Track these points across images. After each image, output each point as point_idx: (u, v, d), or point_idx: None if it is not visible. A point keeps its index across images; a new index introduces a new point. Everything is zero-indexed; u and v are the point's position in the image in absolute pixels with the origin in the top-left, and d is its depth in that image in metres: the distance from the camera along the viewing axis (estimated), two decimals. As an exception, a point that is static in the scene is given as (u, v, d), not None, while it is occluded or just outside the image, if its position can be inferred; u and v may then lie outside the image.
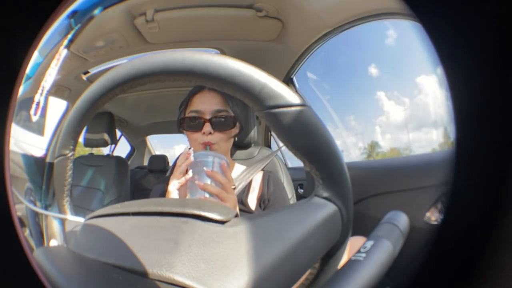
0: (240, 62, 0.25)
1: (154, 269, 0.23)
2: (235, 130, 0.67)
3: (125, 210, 0.30)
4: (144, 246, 0.25)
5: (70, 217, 0.39)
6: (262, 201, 0.68)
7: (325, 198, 0.26)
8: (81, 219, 0.38)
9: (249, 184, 0.70)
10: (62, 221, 0.39)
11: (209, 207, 0.27)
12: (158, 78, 0.27)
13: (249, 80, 0.24)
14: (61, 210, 0.39)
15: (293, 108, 0.24)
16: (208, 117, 0.64)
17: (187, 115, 0.66)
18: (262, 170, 0.74)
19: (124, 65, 0.28)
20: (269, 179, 0.71)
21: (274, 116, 0.25)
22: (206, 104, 0.65)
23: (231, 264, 0.22)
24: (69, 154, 0.36)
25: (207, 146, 0.63)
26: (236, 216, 0.27)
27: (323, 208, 0.25)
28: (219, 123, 0.64)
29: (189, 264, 0.23)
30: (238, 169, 0.74)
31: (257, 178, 0.72)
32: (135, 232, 0.27)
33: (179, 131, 0.69)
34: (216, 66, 0.25)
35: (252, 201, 0.68)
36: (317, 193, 0.26)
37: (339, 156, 0.25)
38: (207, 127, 0.63)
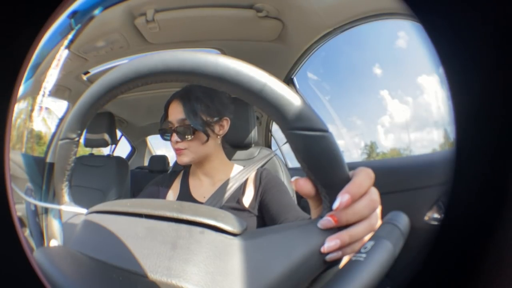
0: (272, 77, 0.25)
1: (173, 279, 0.24)
2: (200, 138, 0.68)
3: (137, 210, 0.30)
4: (161, 254, 0.26)
5: (68, 207, 0.38)
6: (256, 197, 0.70)
7: None
8: (79, 209, 0.37)
9: (245, 182, 0.71)
10: (60, 210, 0.38)
11: (224, 218, 0.28)
12: (187, 79, 0.27)
13: (280, 98, 0.25)
14: (58, 195, 0.39)
15: (318, 133, 0.25)
16: (174, 127, 0.68)
17: (163, 126, 0.70)
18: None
19: (150, 57, 0.27)
20: (261, 175, 0.72)
21: (297, 138, 0.25)
22: (173, 114, 0.68)
23: (242, 278, 0.24)
24: (76, 139, 0.36)
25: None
26: (246, 228, 0.28)
27: (327, 230, 0.26)
28: (181, 132, 0.67)
29: (207, 276, 0.24)
30: (235, 169, 0.75)
31: (251, 177, 0.73)
32: (149, 236, 0.27)
33: (163, 139, 0.72)
34: (249, 80, 0.25)
35: (246, 199, 0.69)
36: (323, 215, 0.27)
37: None
38: (174, 137, 0.67)
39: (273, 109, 0.25)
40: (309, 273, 0.26)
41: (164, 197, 0.73)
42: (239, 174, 0.72)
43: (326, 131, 0.25)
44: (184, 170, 0.79)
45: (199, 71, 0.25)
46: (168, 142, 0.70)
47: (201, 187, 0.73)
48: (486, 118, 0.22)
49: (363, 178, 0.25)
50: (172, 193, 0.74)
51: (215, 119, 0.68)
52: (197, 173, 0.74)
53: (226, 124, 0.71)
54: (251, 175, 0.73)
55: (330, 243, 0.25)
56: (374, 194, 0.26)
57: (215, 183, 0.72)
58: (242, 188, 0.71)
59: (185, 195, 0.72)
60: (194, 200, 0.71)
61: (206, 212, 0.29)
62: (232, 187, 0.69)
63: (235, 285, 0.24)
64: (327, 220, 0.25)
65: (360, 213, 0.25)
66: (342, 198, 0.24)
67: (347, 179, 0.26)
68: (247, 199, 0.70)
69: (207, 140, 0.68)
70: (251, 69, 0.25)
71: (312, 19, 1.04)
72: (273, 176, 0.73)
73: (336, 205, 0.25)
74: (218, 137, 0.71)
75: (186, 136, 0.67)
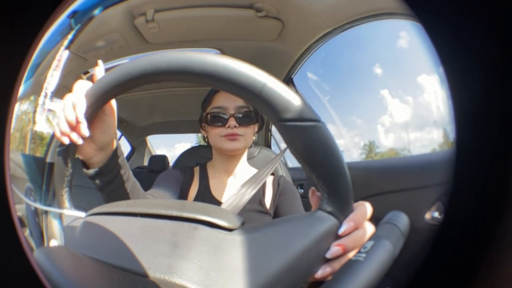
0: (267, 74, 0.25)
1: (166, 276, 0.23)
2: (256, 127, 0.72)
3: (133, 210, 0.30)
4: (155, 250, 0.26)
5: (68, 211, 0.38)
6: (274, 200, 0.71)
7: (329, 212, 0.27)
8: (80, 213, 0.37)
9: (264, 186, 0.72)
10: (60, 214, 0.39)
11: (218, 214, 0.28)
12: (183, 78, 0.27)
13: (269, 90, 0.25)
14: (59, 200, 0.39)
15: (309, 123, 0.25)
16: (232, 112, 0.66)
17: (210, 111, 0.68)
18: (273, 173, 0.77)
19: (142, 59, 0.28)
20: (279, 180, 0.75)
21: (289, 129, 0.25)
22: (229, 100, 0.67)
23: (238, 273, 0.24)
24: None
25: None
26: (243, 223, 0.28)
27: (325, 222, 0.26)
28: (243, 118, 0.67)
29: (201, 272, 0.24)
30: (252, 171, 0.76)
31: (269, 181, 0.75)
32: (144, 234, 0.27)
33: (201, 127, 0.72)
34: (241, 76, 0.25)
35: (267, 202, 0.71)
36: (321, 207, 0.27)
37: (346, 175, 0.26)
38: (232, 121, 0.66)
39: (263, 102, 0.25)
40: (307, 267, 0.26)
41: (187, 190, 0.72)
42: (257, 176, 0.71)
43: (318, 120, 0.25)
44: (200, 167, 0.77)
45: (191, 69, 0.25)
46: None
47: (221, 186, 0.73)
48: (486, 118, 0.22)
49: (364, 211, 0.28)
50: (191, 190, 0.73)
51: None
52: (219, 171, 0.73)
53: None
54: (269, 180, 0.75)
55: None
56: (369, 224, 0.30)
57: (236, 183, 0.72)
58: (261, 191, 0.71)
59: (205, 194, 0.71)
60: (215, 200, 0.70)
61: (200, 209, 0.29)
62: (252, 189, 0.68)
63: (230, 280, 0.24)
64: (335, 249, 0.27)
65: (361, 240, 0.28)
66: (347, 225, 0.27)
67: (343, 169, 0.26)
68: (267, 201, 0.71)
69: (259, 130, 0.71)
70: (240, 65, 0.25)
71: (311, 19, 1.04)
72: (289, 183, 0.76)
73: (342, 230, 0.27)
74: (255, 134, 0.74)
75: (250, 120, 0.67)
